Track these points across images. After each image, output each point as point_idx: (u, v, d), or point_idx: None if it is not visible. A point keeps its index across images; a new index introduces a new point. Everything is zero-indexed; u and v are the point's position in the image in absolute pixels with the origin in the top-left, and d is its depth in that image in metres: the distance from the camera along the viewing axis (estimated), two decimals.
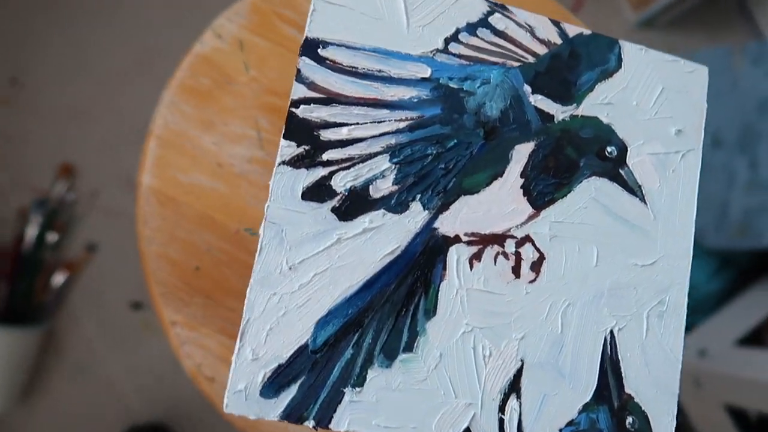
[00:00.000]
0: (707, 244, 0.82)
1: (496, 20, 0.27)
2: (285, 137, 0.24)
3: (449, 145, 0.26)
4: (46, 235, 0.72)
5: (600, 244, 0.27)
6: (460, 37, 0.27)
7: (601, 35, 0.28)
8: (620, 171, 0.28)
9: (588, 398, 0.26)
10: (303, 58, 0.25)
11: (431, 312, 0.25)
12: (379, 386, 0.24)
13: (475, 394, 0.25)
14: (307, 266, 0.24)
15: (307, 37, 0.25)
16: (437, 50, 0.26)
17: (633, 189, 0.28)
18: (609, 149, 0.28)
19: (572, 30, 0.28)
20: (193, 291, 0.38)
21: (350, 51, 0.26)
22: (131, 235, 0.88)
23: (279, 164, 0.24)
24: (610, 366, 0.27)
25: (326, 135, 0.25)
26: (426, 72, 0.26)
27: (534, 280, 0.26)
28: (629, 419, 0.26)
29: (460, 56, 0.27)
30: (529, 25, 0.28)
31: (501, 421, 0.25)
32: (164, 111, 0.39)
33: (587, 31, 0.28)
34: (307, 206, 0.24)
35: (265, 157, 0.40)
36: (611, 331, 0.27)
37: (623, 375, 0.27)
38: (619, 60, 0.28)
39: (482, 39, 0.27)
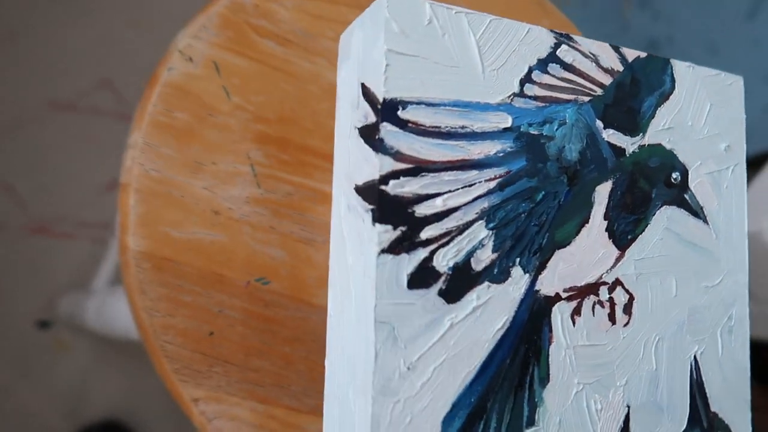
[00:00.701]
0: None
1: (564, 53, 0.25)
2: (379, 221, 0.21)
3: (538, 199, 0.24)
4: None
5: (677, 273, 0.27)
6: (533, 76, 0.24)
7: (655, 56, 0.27)
8: (684, 196, 0.28)
9: (684, 426, 0.27)
10: (384, 124, 0.21)
11: (545, 379, 0.24)
12: None
13: None
14: (425, 362, 0.22)
15: (384, 99, 0.21)
16: (514, 94, 0.24)
17: (697, 212, 0.28)
18: (674, 176, 0.27)
19: (630, 54, 0.27)
20: (210, 360, 0.34)
21: (431, 109, 0.22)
22: (17, 247, 0.76)
23: (379, 254, 0.21)
24: (697, 390, 0.27)
25: (421, 210, 0.22)
26: (507, 121, 0.24)
27: (628, 322, 0.26)
28: None
29: (535, 98, 0.24)
30: (594, 54, 0.26)
31: None
32: (139, 156, 0.33)
33: (642, 54, 0.27)
34: (414, 295, 0.22)
35: (264, 194, 0.36)
36: (694, 356, 0.27)
37: (708, 395, 0.27)
38: (673, 81, 0.28)
39: (554, 76, 0.25)
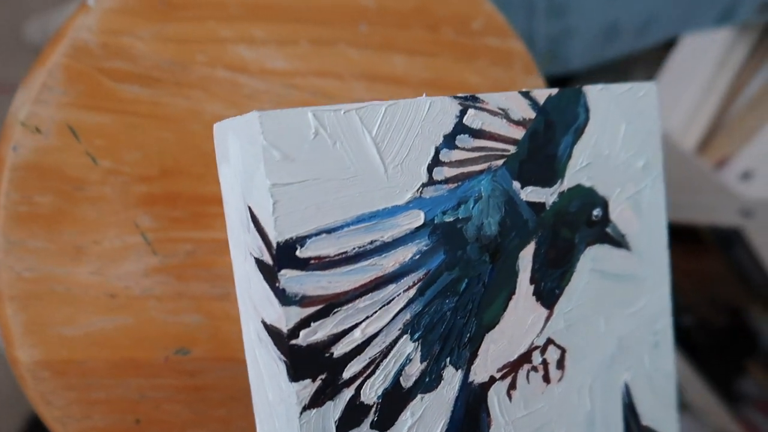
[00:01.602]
0: None
1: (471, 119, 0.22)
2: (295, 379, 0.19)
3: (462, 289, 0.23)
4: None
5: (604, 310, 0.27)
6: (441, 157, 0.22)
7: (567, 89, 0.25)
8: (606, 230, 0.27)
9: None
10: (283, 272, 0.19)
11: None
12: None
13: None
14: None
15: (278, 243, 0.19)
16: (423, 185, 0.21)
17: (619, 242, 0.27)
18: (595, 213, 0.26)
19: (541, 95, 0.24)
20: None
21: (333, 235, 0.20)
22: None
23: (301, 412, 0.19)
24: (629, 412, 0.28)
25: (340, 350, 0.20)
26: (419, 218, 0.21)
27: (561, 377, 0.26)
28: None
29: (446, 181, 0.22)
30: (502, 109, 0.23)
31: None
32: (4, 259, 0.28)
33: (554, 91, 0.25)
34: None
35: (163, 261, 0.32)
36: (625, 383, 0.28)
37: (638, 413, 0.29)
38: (587, 111, 0.26)
39: (463, 148, 0.22)
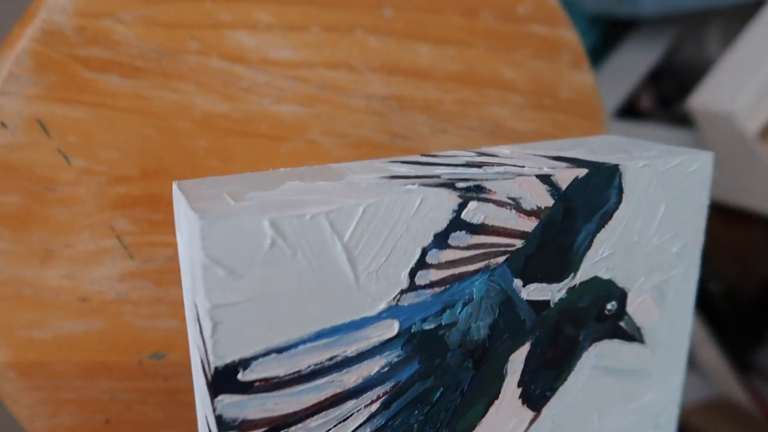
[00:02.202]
0: (583, 7, 0.78)
1: (472, 213, 0.19)
2: None
3: (435, 398, 0.20)
4: None
5: (600, 407, 0.24)
6: (428, 259, 0.18)
7: (601, 166, 0.21)
8: (620, 324, 0.23)
9: None
10: (220, 398, 0.16)
11: None
12: None
13: None
14: None
15: (216, 369, 0.16)
16: (402, 291, 0.18)
17: (633, 336, 0.24)
18: (609, 306, 0.23)
19: (565, 178, 0.20)
20: None
21: (285, 354, 0.17)
22: None
23: None
24: None
25: None
26: (393, 329, 0.19)
27: None
28: None
29: (431, 285, 0.19)
30: (513, 199, 0.19)
31: None
32: None
33: (581, 173, 0.20)
34: None
35: (141, 265, 0.30)
36: None
37: None
38: (620, 193, 0.22)
39: (457, 248, 0.19)
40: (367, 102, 0.33)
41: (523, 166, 0.21)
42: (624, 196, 0.22)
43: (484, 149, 0.24)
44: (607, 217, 0.22)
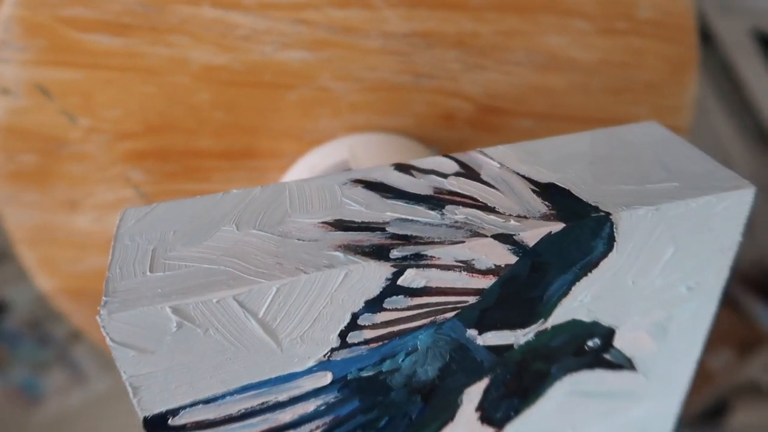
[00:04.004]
0: None
1: (410, 279, 0.18)
2: None
3: (380, 426, 0.21)
4: None
5: (577, 423, 0.25)
6: (359, 322, 0.18)
7: (585, 215, 0.19)
8: (605, 356, 0.23)
9: None
10: None
11: None
12: None
13: None
14: None
15: (144, 418, 0.18)
16: (332, 350, 0.19)
17: (621, 365, 0.23)
18: (591, 343, 0.22)
19: (533, 236, 0.18)
20: None
21: (212, 404, 0.19)
22: None
23: None
24: None
25: None
26: (326, 378, 0.19)
27: None
28: None
29: (366, 342, 0.19)
30: (463, 262, 0.18)
31: None
32: (7, 210, 0.30)
33: (557, 227, 0.18)
34: None
35: None
36: None
37: None
38: (611, 241, 0.19)
39: (395, 309, 0.19)
40: (384, 42, 0.30)
41: (493, 209, 0.19)
42: (617, 243, 0.19)
43: (472, 158, 0.21)
44: (590, 266, 0.20)
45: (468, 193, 0.20)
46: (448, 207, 0.19)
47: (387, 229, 0.18)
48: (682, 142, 0.22)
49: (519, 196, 0.19)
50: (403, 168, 0.21)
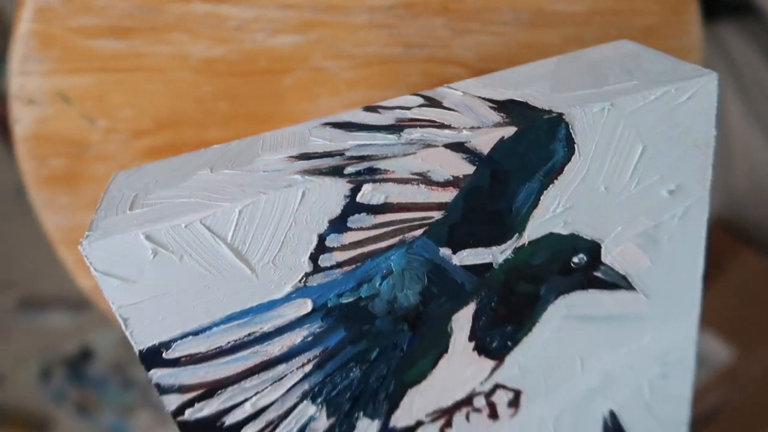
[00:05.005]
0: None
1: (369, 195, 0.19)
2: None
3: (372, 357, 0.22)
4: None
5: (582, 351, 0.24)
6: (327, 243, 0.19)
7: (537, 117, 0.19)
8: (596, 274, 0.22)
9: None
10: (153, 371, 0.20)
11: None
12: None
13: None
14: None
15: (141, 351, 0.19)
16: (306, 274, 0.19)
17: (615, 284, 0.22)
18: (576, 260, 0.22)
19: (487, 141, 0.19)
20: None
21: (201, 336, 0.20)
22: None
23: None
24: None
25: (231, 419, 0.22)
26: (306, 306, 0.20)
27: (515, 413, 0.25)
28: None
29: (339, 265, 0.20)
30: (419, 174, 0.19)
31: None
32: (44, 214, 0.33)
33: (509, 131, 0.19)
34: None
35: None
36: (610, 410, 0.26)
37: None
38: (569, 143, 0.19)
39: (360, 228, 0.19)
40: (369, 16, 0.31)
41: (449, 126, 0.19)
42: (576, 146, 0.19)
43: (437, 92, 0.22)
44: (554, 172, 0.20)
45: (427, 117, 0.20)
46: (407, 130, 0.20)
47: (345, 153, 0.19)
48: (655, 53, 0.22)
49: (476, 113, 0.20)
50: (371, 108, 0.22)
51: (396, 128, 0.20)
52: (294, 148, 0.20)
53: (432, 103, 0.21)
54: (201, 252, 0.18)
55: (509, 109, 0.20)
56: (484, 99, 0.21)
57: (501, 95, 0.21)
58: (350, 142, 0.20)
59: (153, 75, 0.31)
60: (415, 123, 0.20)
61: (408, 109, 0.21)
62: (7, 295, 1.09)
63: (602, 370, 0.25)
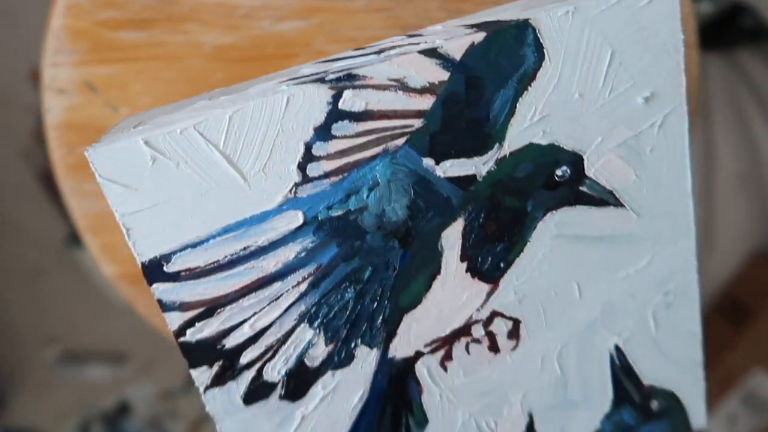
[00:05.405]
0: None
1: (350, 102, 0.20)
2: (192, 366, 0.22)
3: (366, 277, 0.22)
4: None
5: (578, 275, 0.24)
6: (314, 152, 0.20)
7: (504, 26, 0.20)
8: (581, 189, 0.22)
9: (607, 410, 0.26)
10: (154, 286, 0.21)
11: (423, 422, 0.25)
12: None
13: None
14: None
15: (143, 263, 0.20)
16: (296, 185, 0.20)
17: (603, 199, 0.23)
18: (559, 172, 0.22)
19: (459, 47, 0.20)
20: None
21: (199, 248, 0.21)
22: None
23: (204, 391, 0.23)
24: (623, 373, 0.26)
25: (231, 342, 0.22)
26: (298, 218, 0.21)
27: (516, 346, 0.24)
28: (654, 403, 0.27)
29: (327, 175, 0.20)
30: (396, 80, 0.20)
31: None
32: (72, 201, 0.35)
33: (478, 37, 0.20)
34: (255, 408, 0.23)
35: None
36: (616, 346, 0.25)
37: (639, 374, 0.26)
38: (539, 49, 0.20)
39: (344, 137, 0.20)
40: (367, 1, 0.33)
41: (425, 41, 0.21)
42: (546, 51, 0.20)
43: (420, 31, 0.24)
44: (527, 78, 0.21)
45: (407, 42, 0.22)
46: (386, 51, 0.21)
47: (329, 71, 0.21)
48: None
49: (451, 32, 0.21)
50: (359, 48, 0.24)
51: (377, 51, 0.22)
52: (286, 77, 0.22)
53: (413, 35, 0.23)
54: (196, 159, 0.20)
55: (482, 25, 0.21)
56: (461, 25, 0.22)
57: (476, 20, 0.22)
58: (335, 65, 0.22)
59: (170, 63, 0.33)
60: (395, 46, 0.22)
61: (392, 43, 0.23)
62: (51, 349, 1.12)
63: (602, 299, 0.25)
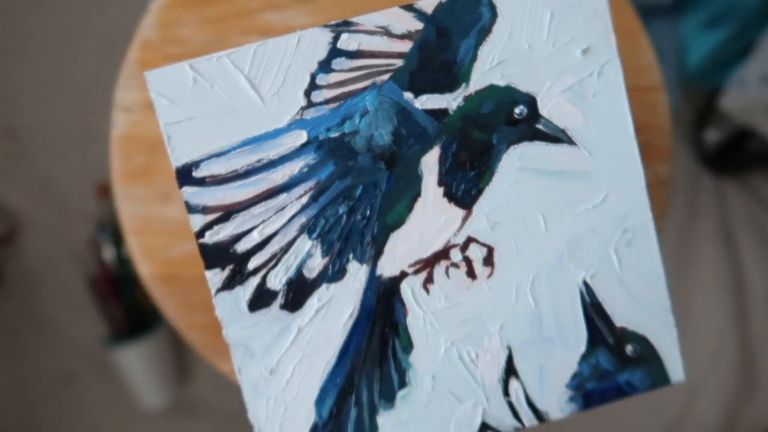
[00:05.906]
0: None
1: (346, 42, 0.25)
2: (207, 268, 0.26)
3: (357, 194, 0.26)
4: (121, 251, 0.78)
5: (544, 208, 0.27)
6: (317, 81, 0.25)
7: None
8: (537, 126, 0.26)
9: (583, 350, 0.28)
10: (184, 189, 0.25)
11: (409, 347, 0.27)
12: (391, 426, 0.27)
13: (477, 393, 0.28)
14: (284, 363, 0.27)
15: (177, 168, 0.25)
16: (302, 108, 0.25)
17: (557, 137, 0.27)
18: (517, 111, 0.26)
19: (429, 5, 0.25)
20: None
21: (222, 158, 0.26)
22: None
23: (216, 293, 0.26)
24: (594, 312, 0.28)
25: (241, 247, 0.26)
26: (303, 137, 0.26)
27: (491, 273, 0.27)
28: (629, 348, 0.28)
29: (326, 101, 0.26)
30: (382, 27, 0.25)
31: (510, 404, 0.27)
32: (122, 205, 0.40)
33: None
34: (258, 316, 0.26)
35: None
36: (584, 282, 0.27)
37: (609, 314, 0.28)
38: (493, 8, 0.26)
39: (341, 70, 0.25)
40: None
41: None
42: (498, 10, 0.26)
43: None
44: (485, 31, 0.27)
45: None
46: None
47: (331, 19, 0.27)
48: None
49: None
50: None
51: None
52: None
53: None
54: (226, 81, 0.26)
55: None
56: None
57: None
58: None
59: None
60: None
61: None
62: None
63: (566, 233, 0.28)
